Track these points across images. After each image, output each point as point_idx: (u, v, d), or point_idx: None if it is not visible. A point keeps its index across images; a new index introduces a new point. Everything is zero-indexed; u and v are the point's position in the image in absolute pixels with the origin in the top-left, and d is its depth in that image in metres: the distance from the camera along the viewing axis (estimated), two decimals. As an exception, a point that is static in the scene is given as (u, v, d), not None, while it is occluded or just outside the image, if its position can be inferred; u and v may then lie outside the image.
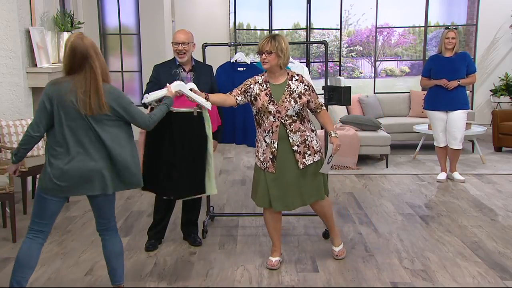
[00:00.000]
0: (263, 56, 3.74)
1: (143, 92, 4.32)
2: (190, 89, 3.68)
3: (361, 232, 4.65)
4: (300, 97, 3.77)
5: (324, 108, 3.94)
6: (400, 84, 21.75)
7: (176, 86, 3.60)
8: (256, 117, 3.87)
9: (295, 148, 3.79)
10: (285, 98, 3.76)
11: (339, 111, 8.01)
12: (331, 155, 3.83)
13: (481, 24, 10.12)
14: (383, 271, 3.86)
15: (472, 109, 9.37)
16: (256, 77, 3.89)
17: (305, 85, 3.82)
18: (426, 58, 11.00)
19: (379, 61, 22.26)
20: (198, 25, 10.14)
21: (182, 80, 4.04)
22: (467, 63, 6.16)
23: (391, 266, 3.94)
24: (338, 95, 4.71)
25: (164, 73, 4.19)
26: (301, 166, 3.80)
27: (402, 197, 5.67)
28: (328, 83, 4.92)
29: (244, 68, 4.53)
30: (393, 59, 25.27)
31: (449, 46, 6.11)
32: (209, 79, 4.27)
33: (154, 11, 8.92)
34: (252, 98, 3.83)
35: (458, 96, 6.14)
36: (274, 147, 3.78)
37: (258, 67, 4.53)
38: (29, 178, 5.66)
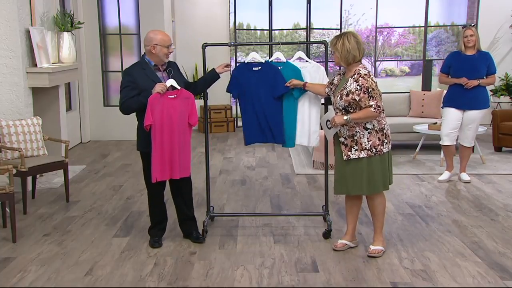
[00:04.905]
0: None
1: (121, 99, 4.11)
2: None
3: (361, 232, 4.65)
4: (347, 95, 3.92)
5: (372, 109, 3.86)
6: (400, 84, 21.75)
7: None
8: None
9: (342, 139, 4.05)
10: (338, 92, 4.02)
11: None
12: (329, 121, 4.05)
13: (481, 24, 10.12)
14: (383, 271, 3.86)
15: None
16: (342, 70, 4.17)
17: (357, 85, 3.90)
18: (426, 58, 11.04)
19: (379, 61, 22.26)
20: (198, 25, 10.15)
21: (160, 80, 4.15)
22: (488, 63, 6.00)
23: (391, 266, 3.94)
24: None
25: (139, 76, 4.11)
26: (345, 157, 4.03)
27: (402, 197, 5.67)
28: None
29: (260, 67, 4.50)
30: (393, 59, 25.27)
31: (470, 44, 5.94)
32: (180, 74, 4.36)
33: (154, 11, 8.92)
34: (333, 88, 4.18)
35: (479, 95, 6.00)
36: (335, 134, 4.12)
37: (273, 65, 4.52)
38: (29, 178, 5.65)
